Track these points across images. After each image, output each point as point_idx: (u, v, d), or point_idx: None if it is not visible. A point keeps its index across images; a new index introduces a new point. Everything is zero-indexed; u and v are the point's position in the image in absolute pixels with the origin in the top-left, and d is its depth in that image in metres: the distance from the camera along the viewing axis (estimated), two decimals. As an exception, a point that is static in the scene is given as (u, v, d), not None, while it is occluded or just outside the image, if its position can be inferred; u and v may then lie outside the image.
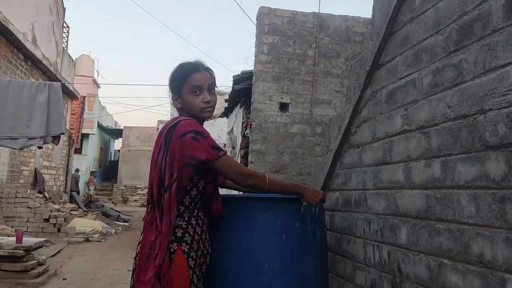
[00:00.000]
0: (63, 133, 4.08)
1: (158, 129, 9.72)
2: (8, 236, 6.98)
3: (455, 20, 1.75)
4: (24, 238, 5.81)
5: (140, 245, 1.83)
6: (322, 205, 2.53)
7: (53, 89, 4.06)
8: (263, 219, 2.23)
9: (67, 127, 16.22)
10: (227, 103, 7.68)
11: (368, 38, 2.84)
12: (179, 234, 1.77)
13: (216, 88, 2.02)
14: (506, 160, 1.44)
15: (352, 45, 5.56)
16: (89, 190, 18.78)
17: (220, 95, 10.06)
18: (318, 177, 3.06)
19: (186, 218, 1.81)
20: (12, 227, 8.54)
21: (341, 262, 2.63)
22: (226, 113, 8.29)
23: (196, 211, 1.85)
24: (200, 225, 1.86)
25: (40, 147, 3.18)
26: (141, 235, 1.87)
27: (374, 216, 2.29)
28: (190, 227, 1.80)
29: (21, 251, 5.48)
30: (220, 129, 10.04)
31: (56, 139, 4.09)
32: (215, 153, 1.80)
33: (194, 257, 1.79)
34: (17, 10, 10.52)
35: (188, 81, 1.87)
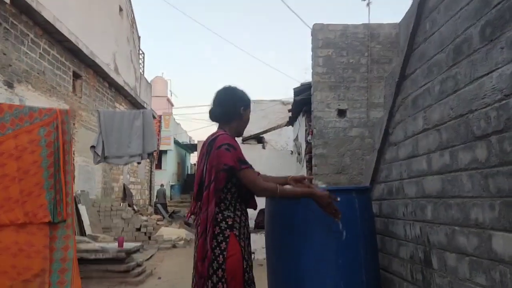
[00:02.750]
0: (155, 150, 4.97)
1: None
2: (109, 243, 8.10)
3: (452, 41, 2.28)
4: (124, 244, 6.83)
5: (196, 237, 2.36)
6: (369, 197, 3.10)
7: (145, 115, 4.99)
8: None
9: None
10: (290, 113, 8.29)
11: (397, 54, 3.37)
12: (230, 222, 2.28)
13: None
14: (487, 147, 1.95)
15: (403, 49, 5.95)
16: None
17: (285, 104, 10.74)
18: (367, 172, 3.61)
19: (232, 210, 2.32)
20: (110, 236, 9.77)
21: (388, 242, 3.16)
22: (291, 121, 8.89)
23: (238, 204, 2.36)
24: (244, 215, 2.40)
25: (138, 163, 4.03)
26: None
27: (409, 200, 2.82)
28: (236, 216, 2.32)
29: (123, 254, 6.46)
30: (287, 137, 10.68)
31: (150, 155, 5.00)
32: (239, 165, 2.29)
33: (243, 239, 2.32)
34: (101, 43, 11.98)
35: (250, 106, 2.56)
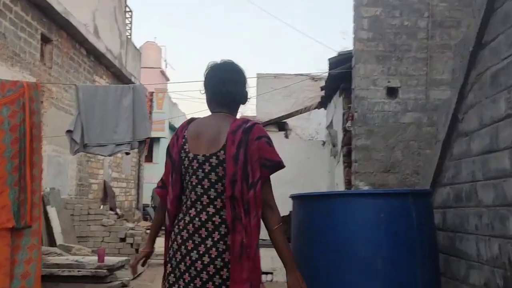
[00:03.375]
0: (148, 137, 4.99)
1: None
2: (86, 256, 8.23)
3: (549, -2, 2.23)
4: (105, 257, 6.93)
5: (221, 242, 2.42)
6: (430, 203, 3.08)
7: (136, 92, 5.00)
8: (364, 215, 2.83)
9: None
10: (323, 92, 8.25)
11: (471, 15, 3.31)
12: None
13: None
14: None
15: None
16: None
17: (315, 80, 10.69)
18: (427, 171, 3.58)
19: None
20: (87, 247, 9.91)
21: (455, 263, 3.14)
22: (323, 103, 8.85)
23: None
24: None
25: (127, 153, 4.03)
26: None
27: (485, 208, 2.79)
28: None
29: (104, 271, 6.57)
30: (317, 123, 10.65)
31: (142, 143, 5.02)
32: (279, 165, 2.54)
33: None
34: None
35: None
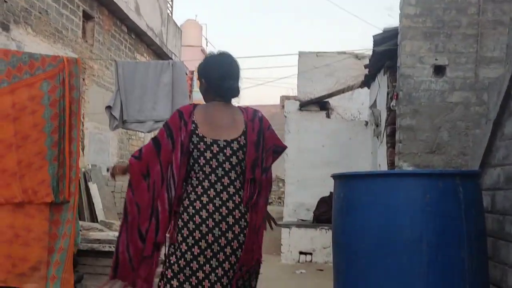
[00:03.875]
0: None
1: (283, 107, 10.48)
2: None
3: None
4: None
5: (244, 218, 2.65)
6: (479, 185, 2.97)
7: (176, 68, 4.99)
8: (408, 196, 2.74)
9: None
10: (367, 70, 8.09)
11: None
12: None
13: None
14: None
15: (533, -18, 5.58)
16: None
17: (358, 58, 10.49)
18: (476, 152, 3.45)
19: None
20: (127, 224, 10.08)
21: (504, 248, 3.03)
22: (367, 82, 8.68)
23: None
24: None
25: None
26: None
27: (538, 191, 2.66)
28: None
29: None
30: (360, 103, 10.46)
31: (181, 121, 5.02)
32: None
33: None
34: (119, -23, 12.10)
35: None
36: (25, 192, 3.06)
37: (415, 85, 5.81)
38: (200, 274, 2.57)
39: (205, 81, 2.87)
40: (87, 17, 10.59)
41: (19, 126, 3.04)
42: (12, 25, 7.71)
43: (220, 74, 2.82)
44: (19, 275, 3.06)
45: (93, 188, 10.09)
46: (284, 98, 27.75)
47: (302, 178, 9.21)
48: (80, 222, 8.53)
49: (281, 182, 22.16)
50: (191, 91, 21.76)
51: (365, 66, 8.07)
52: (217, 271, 2.58)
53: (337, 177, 3.09)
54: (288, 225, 8.81)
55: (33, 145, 3.08)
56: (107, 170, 3.03)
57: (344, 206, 2.92)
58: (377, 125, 7.64)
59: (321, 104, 10.08)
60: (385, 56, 6.85)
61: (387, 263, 2.71)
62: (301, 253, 8.55)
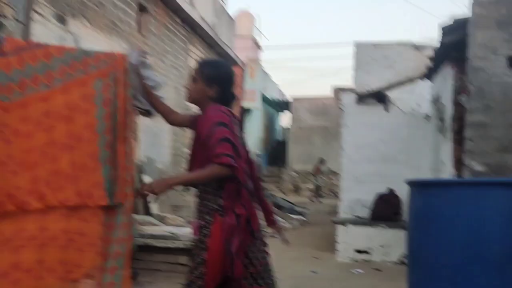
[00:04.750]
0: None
1: (339, 99, 10.16)
2: (179, 227, 8.24)
3: None
4: (199, 229, 6.86)
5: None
6: None
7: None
8: (500, 207, 2.41)
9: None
10: (429, 61, 7.69)
11: None
12: None
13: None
14: None
15: None
16: (317, 180, 20.30)
17: (418, 50, 10.00)
18: None
19: None
20: (181, 217, 9.99)
21: None
22: (429, 74, 8.25)
23: None
24: None
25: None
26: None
27: None
28: None
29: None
30: (419, 95, 10.00)
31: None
32: None
33: None
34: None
35: None
36: (79, 195, 2.88)
37: (487, 78, 5.40)
38: None
39: (218, 88, 2.99)
40: (141, 9, 10.50)
41: (72, 127, 2.87)
42: (68, 18, 7.65)
43: (233, 84, 3.08)
44: (73, 282, 2.89)
45: (147, 180, 10.05)
46: (337, 90, 27.38)
47: (359, 173, 8.85)
48: (134, 216, 8.50)
49: (332, 174, 21.77)
50: (242, 83, 21.65)
51: (430, 58, 7.65)
52: None
53: (414, 184, 2.78)
54: (343, 222, 8.49)
55: (86, 146, 2.90)
56: (138, 190, 2.92)
57: (423, 217, 2.61)
58: (441, 120, 7.21)
59: (378, 96, 9.66)
60: (451, 47, 6.43)
61: (476, 282, 2.39)
62: (357, 251, 8.22)
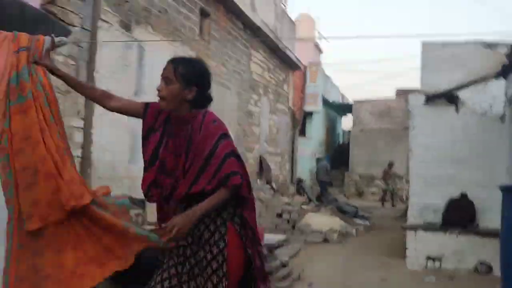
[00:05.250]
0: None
1: (406, 100, 9.77)
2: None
3: None
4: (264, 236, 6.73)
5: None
6: None
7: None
8: None
9: (290, 104, 17.76)
10: (505, 60, 7.27)
11: None
12: None
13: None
14: None
15: None
16: (388, 185, 19.88)
17: (490, 48, 9.51)
18: None
19: None
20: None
21: None
22: (505, 72, 7.82)
23: None
24: None
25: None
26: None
27: None
28: None
29: (264, 250, 6.34)
30: (491, 96, 9.49)
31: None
32: None
33: None
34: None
35: None
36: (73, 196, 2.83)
37: None
38: None
39: (197, 89, 2.70)
40: (204, 14, 10.52)
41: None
42: (133, 25, 7.72)
43: (210, 85, 2.80)
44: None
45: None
46: (399, 92, 26.68)
47: (428, 176, 8.46)
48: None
49: (397, 178, 21.16)
50: (303, 87, 21.46)
51: (506, 55, 7.23)
52: None
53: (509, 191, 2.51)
54: (413, 228, 8.15)
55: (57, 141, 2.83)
56: (157, 231, 2.64)
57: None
58: (518, 121, 6.78)
59: (448, 97, 9.25)
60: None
61: None
62: (429, 258, 7.86)
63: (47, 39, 2.76)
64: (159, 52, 8.04)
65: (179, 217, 2.51)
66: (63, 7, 6.08)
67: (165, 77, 2.70)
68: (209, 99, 2.79)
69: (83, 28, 6.56)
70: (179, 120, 2.73)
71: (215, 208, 2.60)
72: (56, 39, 2.78)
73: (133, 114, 2.89)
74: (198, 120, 2.69)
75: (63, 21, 5.98)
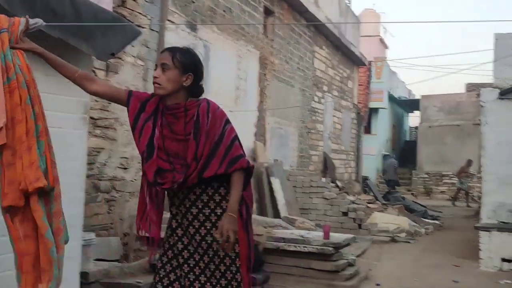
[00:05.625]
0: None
1: (477, 95, 9.43)
2: (309, 230, 8.12)
3: None
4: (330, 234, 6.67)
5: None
6: None
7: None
8: None
9: (354, 101, 17.55)
10: None
11: None
12: None
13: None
14: None
15: None
16: (462, 183, 19.25)
17: None
18: None
19: None
20: (310, 220, 9.88)
21: None
22: None
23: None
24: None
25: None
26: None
27: None
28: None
29: (330, 248, 6.30)
30: None
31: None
32: None
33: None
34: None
35: None
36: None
37: None
38: None
39: (193, 77, 2.75)
40: (267, 12, 10.55)
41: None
42: (199, 26, 7.84)
43: (203, 74, 2.86)
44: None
45: (275, 183, 10.05)
46: (469, 86, 25.81)
47: (503, 175, 8.13)
48: (264, 219, 8.50)
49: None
50: (368, 83, 21.14)
51: None
52: None
53: None
54: (488, 228, 7.85)
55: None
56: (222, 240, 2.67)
57: None
58: None
59: (525, 91, 8.86)
60: None
61: None
62: (504, 260, 7.55)
63: (22, 20, 2.75)
64: (224, 52, 8.14)
65: (225, 221, 2.63)
66: (132, 9, 6.26)
67: (163, 64, 2.72)
68: (202, 89, 2.84)
69: (151, 29, 6.73)
70: (175, 107, 2.75)
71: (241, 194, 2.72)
72: (31, 21, 2.74)
73: (116, 101, 2.90)
74: (203, 106, 2.74)
75: (132, 22, 6.16)
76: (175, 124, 2.75)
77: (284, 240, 6.54)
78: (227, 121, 2.78)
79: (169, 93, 2.72)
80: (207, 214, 2.76)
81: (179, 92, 2.74)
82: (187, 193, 2.77)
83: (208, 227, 2.75)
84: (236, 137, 2.77)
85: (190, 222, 2.78)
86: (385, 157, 18.05)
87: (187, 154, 2.70)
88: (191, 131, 2.71)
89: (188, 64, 2.74)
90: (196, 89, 2.80)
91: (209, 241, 2.74)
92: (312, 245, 6.35)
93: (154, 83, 2.73)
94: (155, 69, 2.76)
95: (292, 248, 6.42)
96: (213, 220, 2.74)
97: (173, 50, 2.77)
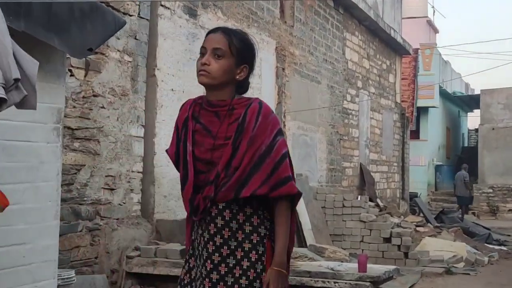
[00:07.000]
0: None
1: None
2: (342, 261, 8.12)
3: None
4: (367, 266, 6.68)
5: None
6: None
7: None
8: None
9: (397, 99, 17.53)
10: None
11: None
12: None
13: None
14: None
15: None
16: None
17: None
18: None
19: None
20: (343, 248, 9.85)
21: None
22: None
23: None
24: None
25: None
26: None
27: None
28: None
29: (367, 284, 6.32)
30: None
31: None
32: None
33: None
34: None
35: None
36: None
37: None
38: None
39: (249, 69, 2.73)
40: (285, -8, 10.62)
41: None
42: (200, 10, 7.91)
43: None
44: None
45: (300, 203, 10.05)
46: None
47: None
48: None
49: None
50: (414, 76, 21.10)
51: None
52: None
53: None
54: None
55: None
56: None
57: None
58: None
59: None
60: None
61: None
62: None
63: None
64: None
65: (272, 279, 2.54)
66: (116, -6, 6.35)
67: (216, 49, 2.64)
68: (248, 86, 2.80)
69: (140, 17, 6.81)
70: (219, 104, 2.70)
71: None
72: None
73: None
74: (254, 107, 2.66)
75: (117, 10, 6.24)
76: (214, 125, 2.68)
77: (310, 274, 6.57)
78: (280, 132, 2.69)
79: (217, 84, 2.66)
80: (233, 247, 2.64)
81: (227, 86, 2.68)
82: (214, 216, 2.66)
83: (231, 265, 2.62)
84: (287, 154, 2.67)
85: (210, 255, 2.66)
86: (457, 168, 18.02)
87: (220, 161, 2.62)
88: (232, 135, 2.62)
89: (246, 54, 2.71)
90: (246, 84, 2.78)
91: (229, 283, 2.60)
92: (344, 280, 6.40)
93: (200, 70, 2.66)
94: (201, 54, 2.68)
95: (319, 285, 6.45)
96: (239, 257, 2.63)
97: (228, 33, 2.69)
